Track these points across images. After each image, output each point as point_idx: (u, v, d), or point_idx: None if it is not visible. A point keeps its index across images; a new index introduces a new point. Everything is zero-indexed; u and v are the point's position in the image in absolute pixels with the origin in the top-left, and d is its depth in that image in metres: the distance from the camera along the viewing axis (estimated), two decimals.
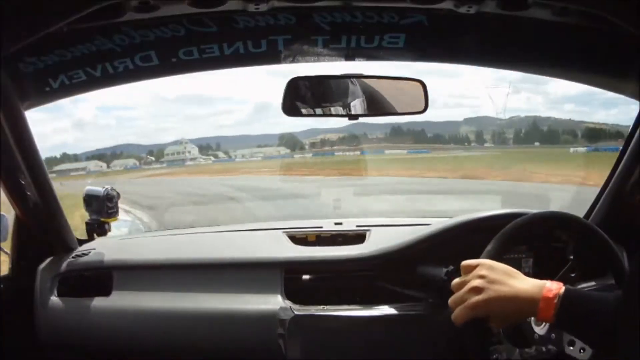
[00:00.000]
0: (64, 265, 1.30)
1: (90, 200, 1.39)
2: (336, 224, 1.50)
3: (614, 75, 1.19)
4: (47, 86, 1.13)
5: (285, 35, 1.12)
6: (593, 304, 0.82)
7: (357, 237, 1.40)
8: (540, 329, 0.99)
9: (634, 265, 0.88)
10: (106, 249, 1.37)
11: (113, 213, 1.40)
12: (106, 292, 1.26)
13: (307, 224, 1.49)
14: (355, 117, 1.13)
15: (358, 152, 19.12)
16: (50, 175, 1.26)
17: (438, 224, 1.31)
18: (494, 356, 1.03)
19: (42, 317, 1.24)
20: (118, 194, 1.40)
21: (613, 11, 0.86)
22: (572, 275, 1.01)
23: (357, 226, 1.46)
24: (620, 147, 1.33)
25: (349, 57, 1.19)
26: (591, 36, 1.07)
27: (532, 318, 0.98)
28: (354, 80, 1.14)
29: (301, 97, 1.11)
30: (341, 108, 1.13)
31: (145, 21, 1.03)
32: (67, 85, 1.14)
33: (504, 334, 1.03)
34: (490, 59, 1.24)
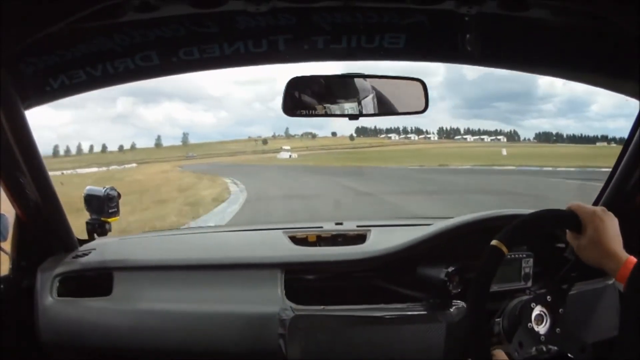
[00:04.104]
0: (64, 265, 1.30)
1: (91, 200, 1.39)
2: (336, 224, 1.50)
3: (614, 75, 1.19)
4: (48, 86, 1.13)
5: (285, 35, 1.12)
6: None
7: (358, 238, 1.40)
8: (540, 329, 0.99)
9: (635, 268, 0.88)
10: (106, 249, 1.37)
11: (114, 213, 1.40)
12: (106, 292, 1.26)
13: (308, 225, 1.49)
14: (356, 117, 1.12)
15: None
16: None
17: (438, 224, 1.31)
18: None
19: (42, 317, 1.23)
20: (119, 194, 1.40)
21: (613, 11, 0.86)
22: (573, 275, 1.01)
23: (358, 226, 1.47)
24: None
25: (350, 57, 1.19)
26: (591, 36, 1.07)
27: (533, 318, 0.99)
28: (355, 80, 1.14)
29: (301, 96, 1.11)
30: (342, 108, 1.13)
31: (145, 21, 1.03)
32: (67, 85, 1.14)
33: (504, 334, 1.03)
34: (491, 59, 1.24)
